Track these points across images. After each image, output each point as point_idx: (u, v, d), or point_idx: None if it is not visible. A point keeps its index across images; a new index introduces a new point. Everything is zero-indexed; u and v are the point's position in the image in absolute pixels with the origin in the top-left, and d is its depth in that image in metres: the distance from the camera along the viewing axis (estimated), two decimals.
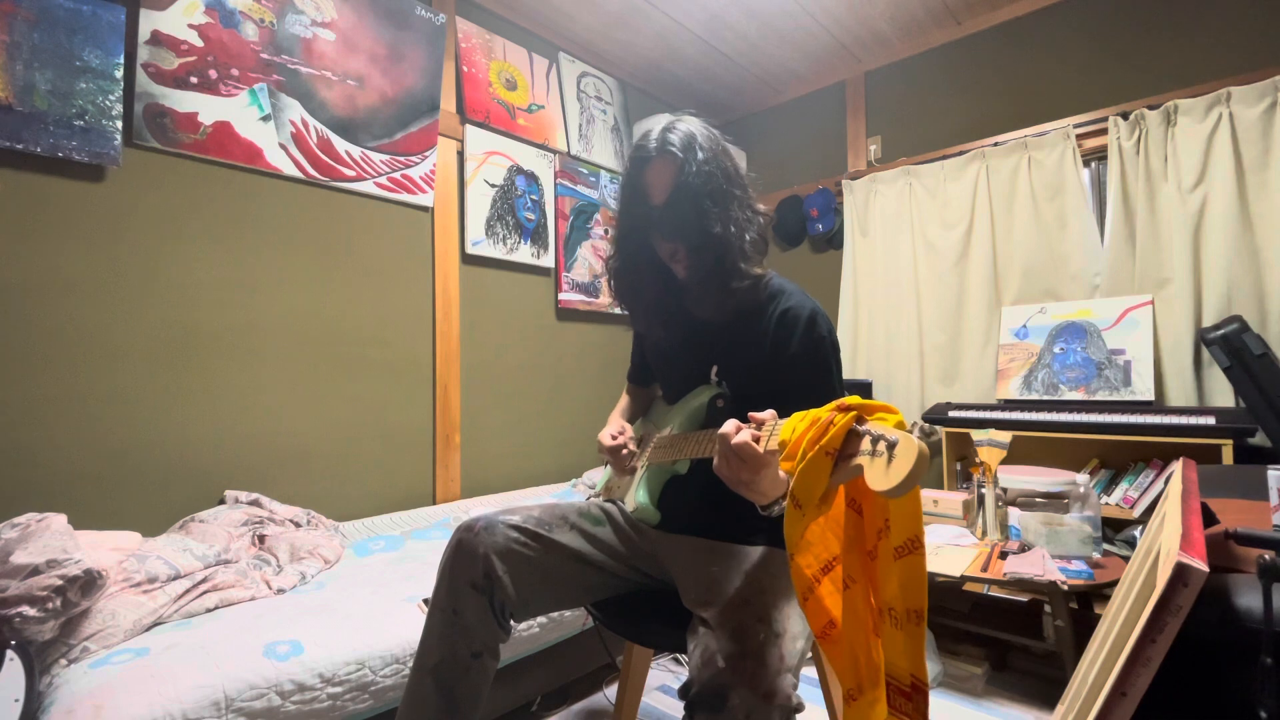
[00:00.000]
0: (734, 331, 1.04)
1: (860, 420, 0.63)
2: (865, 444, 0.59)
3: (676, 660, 1.88)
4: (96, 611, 1.18)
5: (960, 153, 2.70)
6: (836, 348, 1.00)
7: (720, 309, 1.02)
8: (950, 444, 2.48)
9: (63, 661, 1.11)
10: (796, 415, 0.70)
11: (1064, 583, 1.51)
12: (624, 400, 1.34)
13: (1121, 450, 2.24)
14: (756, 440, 0.74)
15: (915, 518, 0.64)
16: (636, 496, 1.11)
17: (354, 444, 2.07)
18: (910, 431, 0.58)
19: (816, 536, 0.70)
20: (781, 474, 0.74)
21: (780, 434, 0.71)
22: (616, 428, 1.17)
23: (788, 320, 0.99)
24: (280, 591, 1.46)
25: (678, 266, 1.04)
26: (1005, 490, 1.93)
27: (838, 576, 0.70)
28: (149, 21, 1.62)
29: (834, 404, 0.66)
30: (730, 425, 0.77)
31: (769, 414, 0.77)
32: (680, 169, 0.98)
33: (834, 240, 3.15)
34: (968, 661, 1.78)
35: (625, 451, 1.13)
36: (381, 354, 2.16)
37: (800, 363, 0.97)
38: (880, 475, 0.56)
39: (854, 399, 0.66)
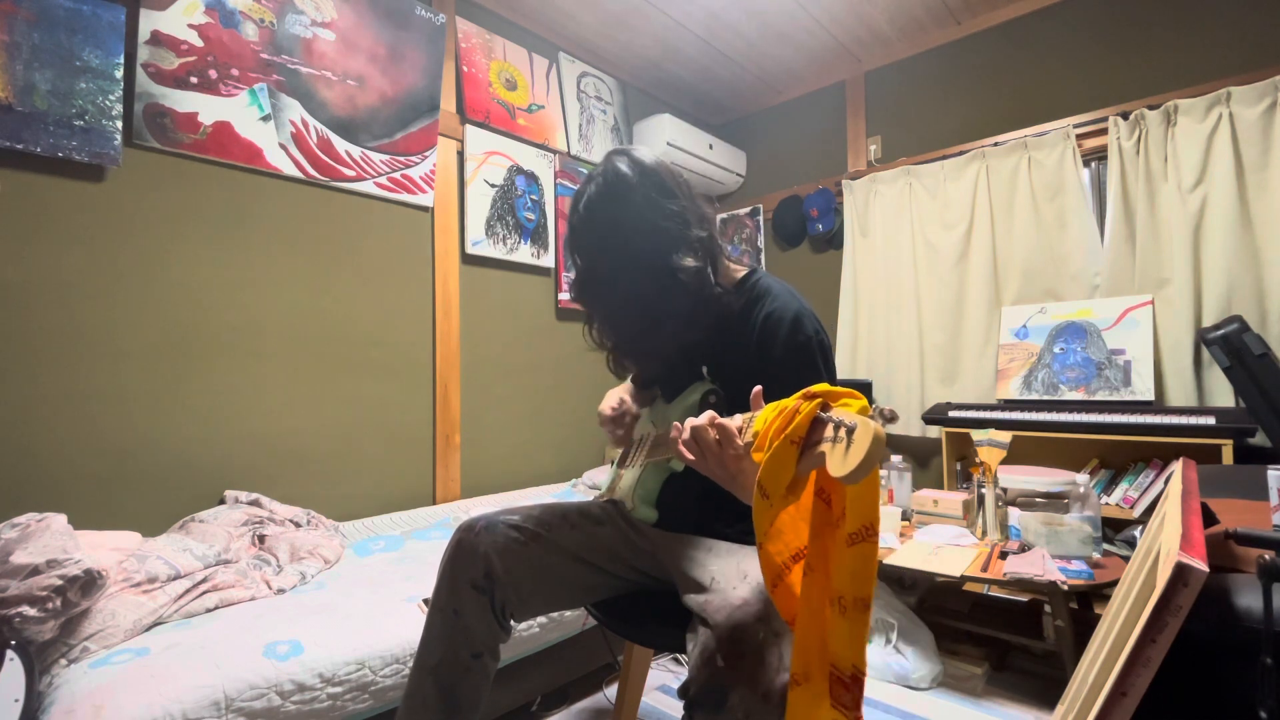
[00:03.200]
0: (722, 334, 1.03)
1: (825, 407, 0.63)
2: (828, 431, 0.59)
3: (676, 660, 1.88)
4: (96, 611, 1.18)
5: (960, 153, 2.70)
6: (825, 347, 0.97)
7: (686, 341, 1.01)
8: (950, 444, 2.48)
9: (63, 661, 1.11)
10: (769, 407, 0.70)
11: (1064, 583, 1.51)
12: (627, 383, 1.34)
13: (1121, 450, 2.24)
14: (740, 431, 0.74)
15: (872, 505, 0.64)
16: (635, 496, 1.11)
17: (354, 444, 2.07)
18: (872, 417, 0.58)
19: (787, 525, 0.70)
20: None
21: (755, 425, 0.71)
22: (616, 400, 1.16)
23: (770, 324, 0.97)
24: (280, 591, 1.46)
25: None
26: (1005, 490, 1.93)
27: (805, 565, 0.70)
28: (149, 21, 1.62)
29: (800, 393, 0.66)
30: (701, 417, 0.77)
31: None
32: (590, 255, 1.02)
33: (834, 240, 3.15)
34: (968, 661, 1.78)
35: (628, 419, 1.13)
36: (381, 354, 2.16)
37: (786, 367, 0.94)
38: (839, 461, 0.56)
39: (821, 386, 0.66)
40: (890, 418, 0.61)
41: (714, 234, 1.02)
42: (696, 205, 1.02)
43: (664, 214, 0.97)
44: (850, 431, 0.55)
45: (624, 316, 1.01)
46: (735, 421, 0.75)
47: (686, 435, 0.78)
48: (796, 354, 0.95)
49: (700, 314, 0.98)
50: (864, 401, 0.62)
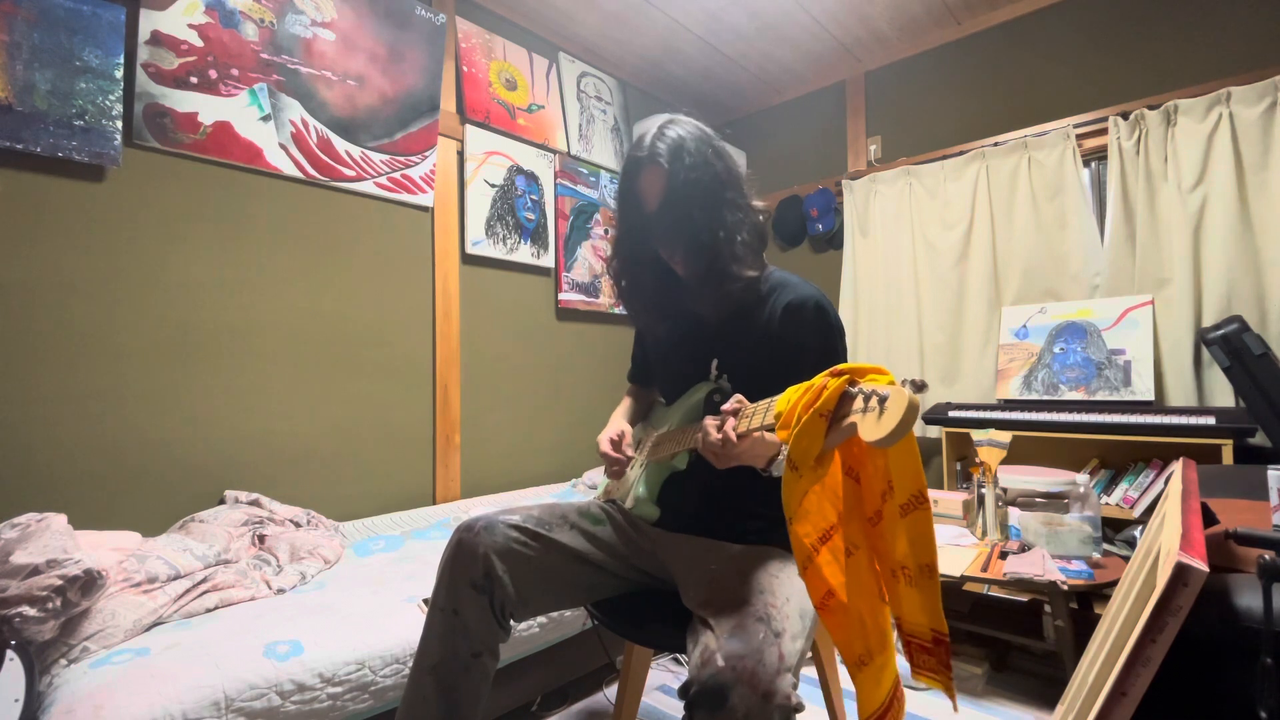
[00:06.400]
0: (734, 327, 1.05)
1: (852, 383, 0.65)
2: (858, 403, 0.62)
3: (676, 660, 1.88)
4: (96, 611, 1.18)
5: (960, 153, 2.70)
6: (842, 332, 1.02)
7: (719, 307, 1.03)
8: (950, 444, 2.48)
9: (63, 661, 1.10)
10: (793, 388, 0.72)
11: (1064, 583, 1.51)
12: (625, 402, 1.33)
13: (1121, 450, 2.24)
14: (750, 415, 0.79)
15: (917, 474, 0.66)
16: (636, 493, 1.11)
17: (354, 444, 2.07)
18: (902, 387, 0.60)
19: (814, 506, 0.71)
20: (778, 443, 0.79)
21: (776, 406, 0.73)
22: (616, 430, 1.16)
23: (792, 311, 1.00)
24: (280, 591, 1.46)
25: (677, 266, 1.06)
26: (1005, 490, 1.93)
27: (837, 546, 0.70)
28: (149, 21, 1.62)
29: (827, 371, 0.68)
30: (709, 421, 0.83)
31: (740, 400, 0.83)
32: (668, 178, 0.99)
33: (834, 240, 3.15)
34: (968, 661, 1.78)
35: (622, 457, 1.12)
36: (381, 354, 2.16)
37: (810, 348, 0.98)
38: (872, 426, 0.58)
39: (846, 364, 0.68)
40: (920, 386, 0.63)
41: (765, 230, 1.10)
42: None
43: (740, 186, 1.05)
44: (883, 400, 0.58)
45: (700, 243, 1.00)
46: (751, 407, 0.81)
47: (715, 437, 0.83)
48: (821, 336, 0.99)
49: (746, 273, 1.02)
50: (890, 376, 0.65)
